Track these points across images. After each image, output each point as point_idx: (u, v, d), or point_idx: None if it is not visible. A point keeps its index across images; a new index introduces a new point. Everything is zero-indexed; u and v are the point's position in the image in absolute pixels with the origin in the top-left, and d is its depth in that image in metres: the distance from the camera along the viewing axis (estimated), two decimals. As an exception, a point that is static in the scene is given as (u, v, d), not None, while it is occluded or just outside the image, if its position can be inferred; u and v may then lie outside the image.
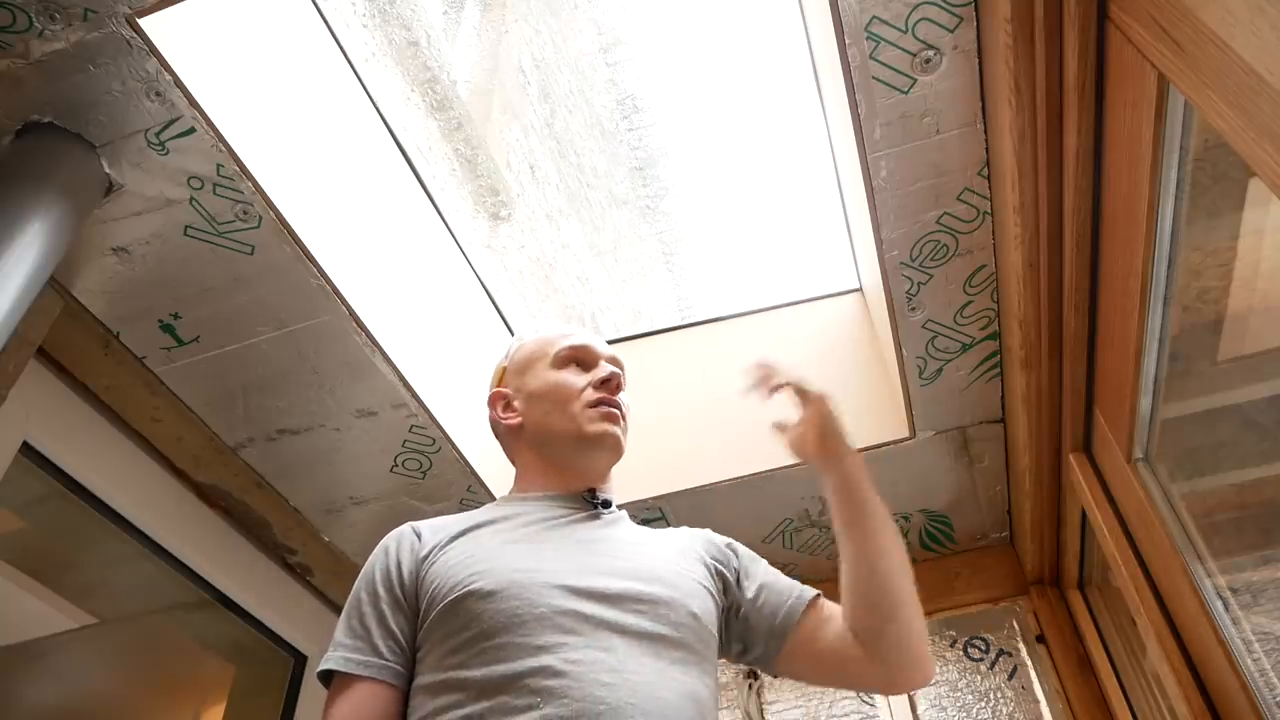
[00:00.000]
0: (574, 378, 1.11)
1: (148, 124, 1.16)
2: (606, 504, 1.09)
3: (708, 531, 1.12)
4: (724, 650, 1.04)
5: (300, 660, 1.94)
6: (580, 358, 1.14)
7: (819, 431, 1.06)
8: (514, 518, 1.03)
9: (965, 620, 1.87)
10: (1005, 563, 1.91)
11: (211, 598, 1.75)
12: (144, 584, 1.85)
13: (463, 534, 1.01)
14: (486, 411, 1.20)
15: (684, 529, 1.12)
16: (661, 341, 2.09)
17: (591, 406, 1.08)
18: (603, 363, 1.13)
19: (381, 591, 0.96)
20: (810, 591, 1.05)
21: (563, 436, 1.09)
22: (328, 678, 0.93)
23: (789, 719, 1.82)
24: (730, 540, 1.10)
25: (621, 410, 1.11)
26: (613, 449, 1.09)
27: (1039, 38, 1.01)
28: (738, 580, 1.05)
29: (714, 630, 0.97)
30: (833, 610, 1.03)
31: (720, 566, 1.05)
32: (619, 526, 1.06)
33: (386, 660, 0.92)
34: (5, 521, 1.71)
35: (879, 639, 0.99)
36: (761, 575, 1.06)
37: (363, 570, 1.00)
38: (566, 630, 0.87)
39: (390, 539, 1.02)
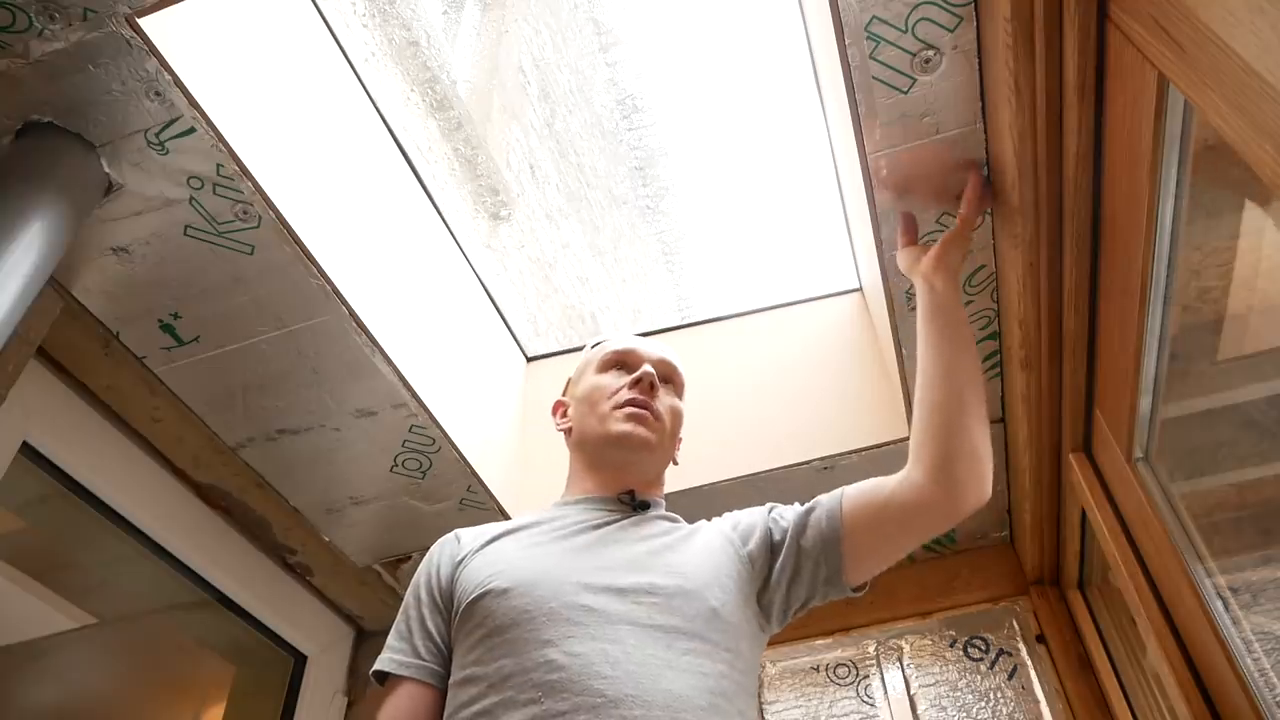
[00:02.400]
0: (612, 380, 1.14)
1: (148, 124, 1.16)
2: (645, 505, 1.10)
3: (745, 510, 1.11)
4: (796, 599, 1.03)
5: (300, 660, 1.94)
6: (624, 361, 1.17)
7: (951, 244, 1.16)
8: (550, 522, 1.07)
9: (965, 620, 1.87)
10: (1005, 563, 1.91)
11: (211, 598, 1.75)
12: (144, 584, 1.85)
13: (498, 538, 1.05)
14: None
15: (722, 518, 1.11)
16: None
17: (620, 407, 1.10)
18: (644, 364, 1.15)
19: (424, 595, 1.03)
20: (836, 490, 1.06)
21: (594, 438, 1.12)
22: (382, 678, 1.00)
23: (789, 719, 1.82)
24: (773, 505, 1.10)
25: (654, 410, 1.11)
26: (637, 449, 1.10)
27: (1039, 38, 1.01)
28: (779, 531, 1.05)
29: (740, 623, 0.97)
30: (864, 483, 1.05)
31: (754, 545, 1.04)
32: (651, 526, 1.07)
33: (424, 661, 0.98)
34: (5, 521, 1.71)
35: (947, 450, 1.00)
36: (798, 510, 1.06)
37: (414, 577, 1.07)
38: (574, 623, 0.88)
39: (436, 545, 1.09)
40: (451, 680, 0.94)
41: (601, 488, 1.11)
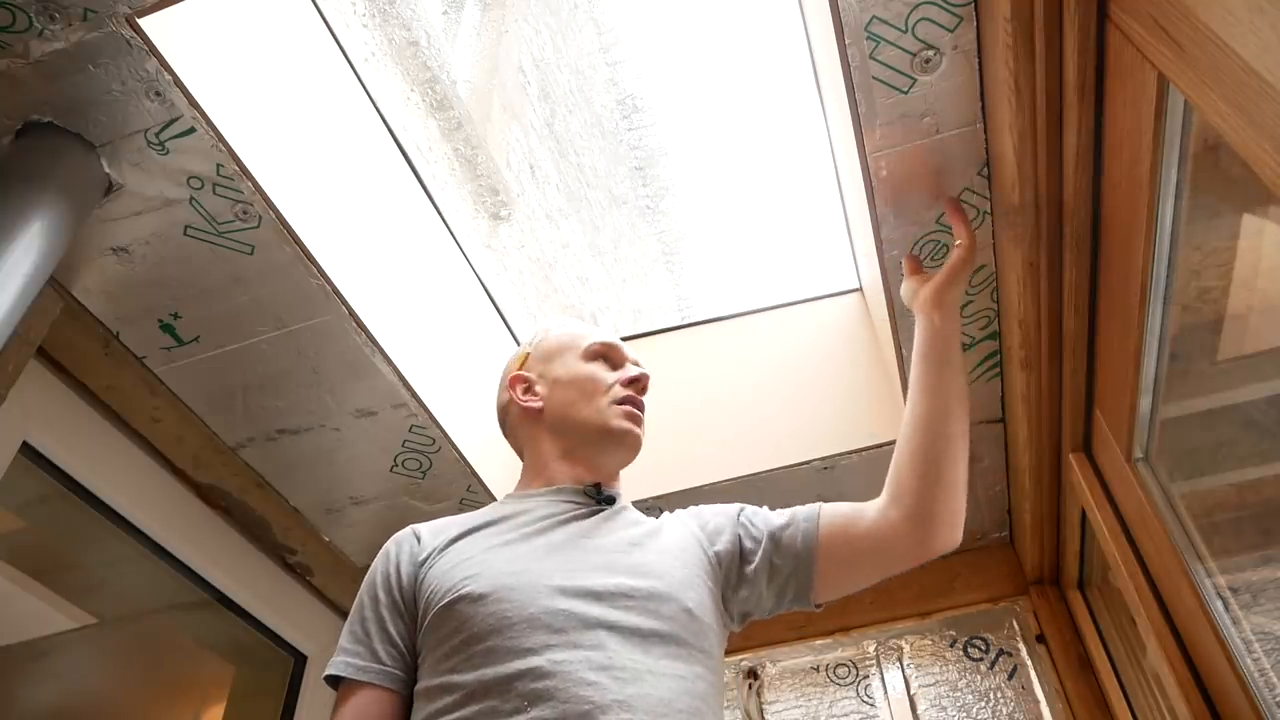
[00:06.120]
0: (603, 372, 1.13)
1: (148, 124, 1.16)
2: (610, 500, 1.09)
3: (712, 507, 1.11)
4: (758, 609, 1.05)
5: (300, 660, 1.94)
6: (609, 355, 1.16)
7: (950, 281, 1.16)
8: (513, 518, 1.03)
9: (965, 620, 1.87)
10: (1005, 562, 1.91)
11: (211, 598, 1.75)
12: (144, 584, 1.85)
13: (461, 536, 1.01)
14: (499, 395, 1.20)
15: (688, 512, 1.11)
16: (661, 341, 2.10)
17: (618, 403, 1.10)
18: (629, 364, 1.15)
19: (382, 596, 0.98)
20: (812, 506, 1.06)
21: (584, 427, 1.10)
22: (335, 681, 0.95)
23: (789, 719, 1.82)
24: (743, 506, 1.10)
25: (642, 413, 1.13)
26: (631, 448, 1.10)
27: (1039, 37, 1.01)
28: (751, 539, 1.05)
29: (711, 622, 0.97)
30: (841, 508, 1.06)
31: (722, 545, 1.04)
32: (619, 521, 1.06)
33: (385, 665, 0.93)
34: (5, 521, 1.71)
35: (930, 495, 1.02)
36: (770, 521, 1.07)
37: (367, 573, 1.02)
38: (555, 630, 0.87)
39: (391, 543, 1.04)
40: (422, 686, 0.90)
41: (570, 477, 1.09)
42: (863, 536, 1.03)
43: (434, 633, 0.92)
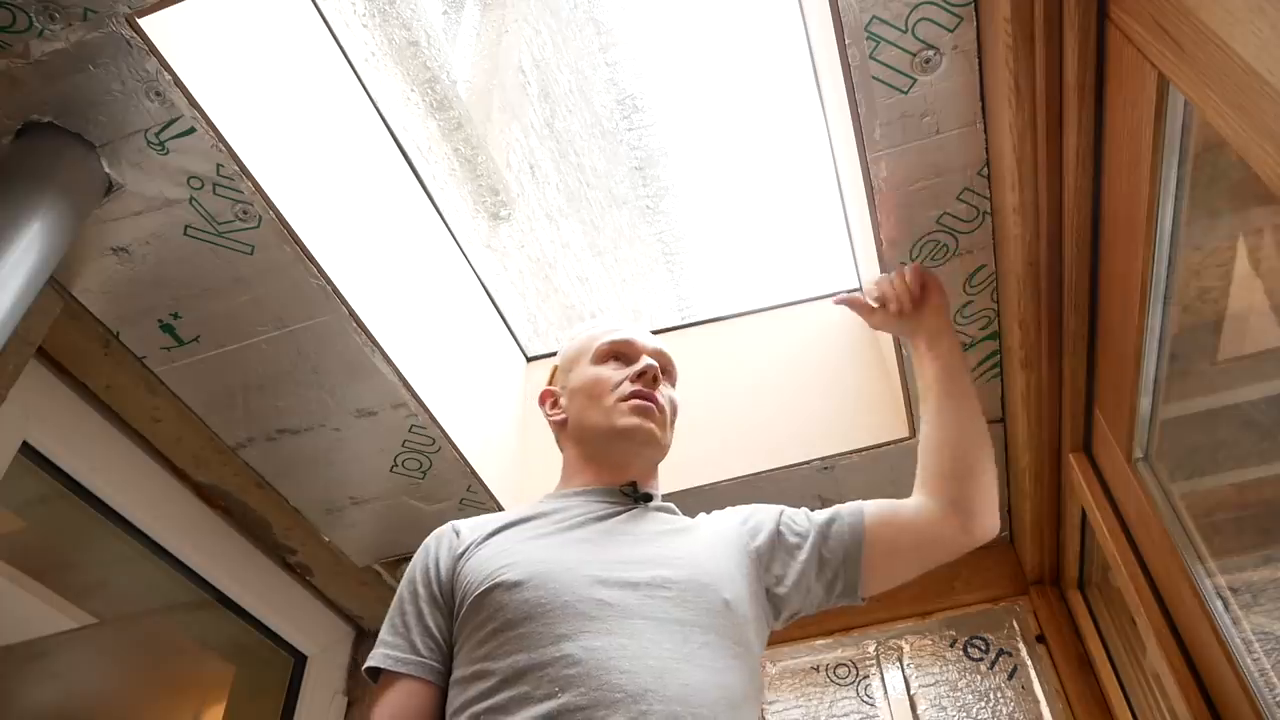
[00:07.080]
0: (611, 372, 1.13)
1: (148, 124, 1.16)
2: (648, 498, 1.10)
3: (751, 506, 1.13)
4: (806, 604, 1.06)
5: (300, 660, 1.94)
6: (621, 352, 1.16)
7: (939, 298, 1.21)
8: (552, 514, 1.05)
9: (965, 620, 1.87)
10: (1005, 563, 1.91)
11: (211, 598, 1.76)
12: (144, 584, 1.85)
13: (499, 531, 1.03)
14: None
15: (725, 511, 1.12)
16: (661, 341, 2.09)
17: (625, 400, 1.10)
18: (644, 357, 1.15)
19: (420, 590, 1.00)
20: (855, 503, 1.10)
21: (596, 431, 1.11)
22: (375, 674, 0.97)
23: (789, 719, 1.82)
24: (783, 508, 1.12)
25: (659, 403, 1.11)
26: (644, 442, 1.09)
27: (1039, 38, 1.01)
28: (795, 535, 1.07)
29: (749, 617, 0.97)
30: (883, 503, 1.09)
31: (762, 541, 1.06)
32: (654, 517, 1.07)
33: (423, 657, 0.95)
34: (5, 521, 1.71)
35: (961, 481, 1.07)
36: (814, 518, 1.09)
37: (407, 568, 1.04)
38: (590, 617, 0.87)
39: (431, 538, 1.06)
40: (457, 675, 0.91)
41: (602, 479, 1.10)
42: (906, 528, 1.06)
43: (469, 621, 0.93)
